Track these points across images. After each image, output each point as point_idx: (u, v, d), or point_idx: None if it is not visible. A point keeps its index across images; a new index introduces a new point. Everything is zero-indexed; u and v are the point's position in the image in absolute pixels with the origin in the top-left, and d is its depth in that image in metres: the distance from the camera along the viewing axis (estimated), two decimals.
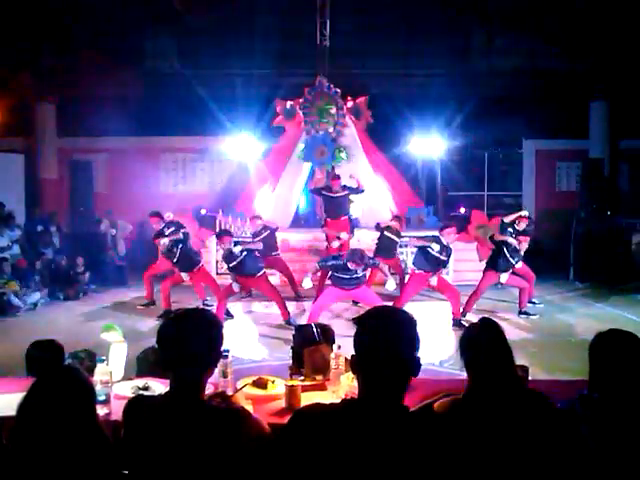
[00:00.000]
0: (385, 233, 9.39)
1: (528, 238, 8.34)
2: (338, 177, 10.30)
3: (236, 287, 8.11)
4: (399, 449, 1.64)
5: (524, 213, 9.29)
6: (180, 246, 8.55)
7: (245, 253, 7.95)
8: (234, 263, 8.02)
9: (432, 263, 7.95)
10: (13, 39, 11.91)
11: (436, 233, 8.21)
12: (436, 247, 7.84)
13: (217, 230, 11.42)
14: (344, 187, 10.02)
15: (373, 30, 13.45)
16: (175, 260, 8.57)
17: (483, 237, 10.63)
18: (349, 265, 7.10)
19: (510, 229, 8.95)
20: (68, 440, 1.89)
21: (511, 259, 8.26)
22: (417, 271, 8.13)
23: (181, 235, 8.79)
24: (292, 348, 3.70)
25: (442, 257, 7.92)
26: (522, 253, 8.43)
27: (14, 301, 8.95)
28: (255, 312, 9.06)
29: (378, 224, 9.62)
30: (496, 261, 8.34)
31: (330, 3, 12.13)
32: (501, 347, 2.25)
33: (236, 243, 8.28)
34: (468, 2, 12.89)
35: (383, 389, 1.73)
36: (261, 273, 8.20)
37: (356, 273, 7.21)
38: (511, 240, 8.22)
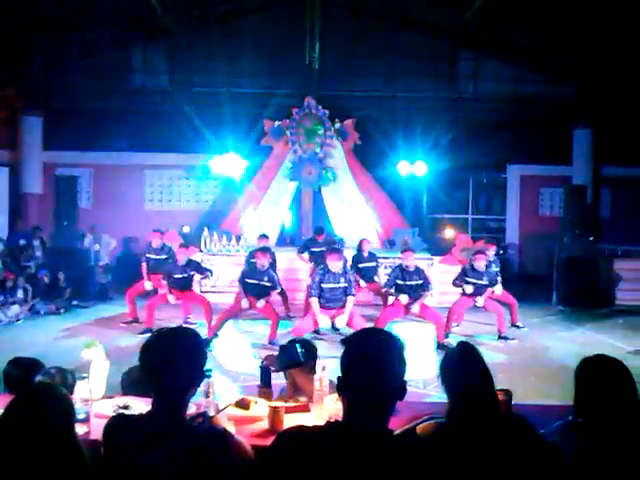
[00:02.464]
0: (359, 266, 9.55)
1: (482, 255, 8.53)
2: (323, 231, 10.58)
3: (245, 304, 8.10)
4: (382, 473, 1.63)
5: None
6: (193, 274, 8.79)
7: (265, 284, 8.10)
8: (252, 281, 8.08)
9: (407, 291, 8.01)
10: (0, 52, 11.89)
11: (398, 256, 8.59)
12: (404, 299, 7.89)
13: (202, 246, 11.39)
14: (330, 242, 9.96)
15: (361, 53, 13.60)
16: (173, 282, 8.54)
17: (467, 260, 10.70)
18: (330, 260, 7.36)
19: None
20: (46, 459, 1.86)
21: (479, 281, 8.40)
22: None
23: (209, 274, 9.51)
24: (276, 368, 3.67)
25: (415, 282, 7.98)
26: (491, 269, 8.61)
27: None
28: (240, 331, 8.99)
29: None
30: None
31: (319, 25, 12.26)
32: (479, 371, 2.26)
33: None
34: (454, 28, 13.09)
35: (368, 412, 1.71)
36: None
37: (338, 282, 7.38)
38: (466, 287, 8.36)
